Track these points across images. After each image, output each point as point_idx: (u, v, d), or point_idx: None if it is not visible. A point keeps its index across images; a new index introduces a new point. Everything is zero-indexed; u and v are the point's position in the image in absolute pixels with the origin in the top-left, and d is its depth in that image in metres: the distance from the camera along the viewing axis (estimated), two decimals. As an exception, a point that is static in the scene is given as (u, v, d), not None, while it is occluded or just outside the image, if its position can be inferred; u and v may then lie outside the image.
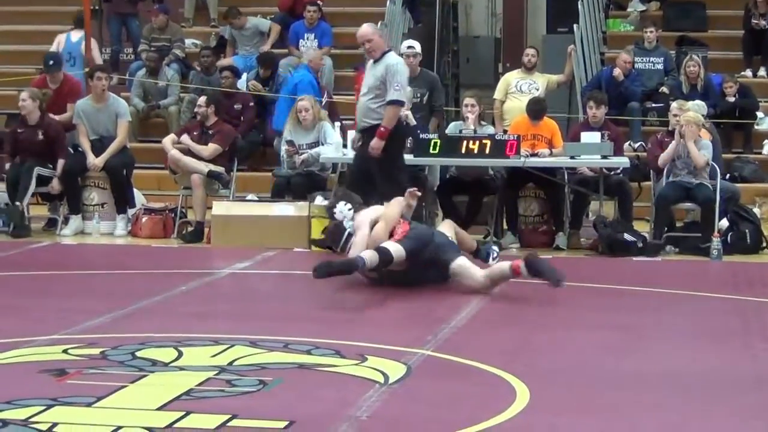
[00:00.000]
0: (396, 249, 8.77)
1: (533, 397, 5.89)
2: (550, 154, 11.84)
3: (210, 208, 11.93)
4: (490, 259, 9.74)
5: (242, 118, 14.30)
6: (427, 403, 5.89)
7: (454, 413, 5.67)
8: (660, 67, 15.60)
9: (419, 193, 9.64)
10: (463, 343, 7.25)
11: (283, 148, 12.26)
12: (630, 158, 12.42)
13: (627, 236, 11.12)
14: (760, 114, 15.11)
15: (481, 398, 5.97)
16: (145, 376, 6.26)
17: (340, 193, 9.87)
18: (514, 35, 19.19)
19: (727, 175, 12.86)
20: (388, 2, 16.40)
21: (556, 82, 14.33)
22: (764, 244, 11.41)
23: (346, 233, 9.46)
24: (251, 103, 14.48)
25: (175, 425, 5.34)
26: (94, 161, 12.32)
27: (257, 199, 12.23)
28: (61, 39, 15.53)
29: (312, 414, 5.57)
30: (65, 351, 6.84)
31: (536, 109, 12.20)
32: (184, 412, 5.51)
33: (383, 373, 6.32)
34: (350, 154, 11.26)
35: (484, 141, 11.25)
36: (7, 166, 12.41)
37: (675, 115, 11.79)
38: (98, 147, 12.42)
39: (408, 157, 11.45)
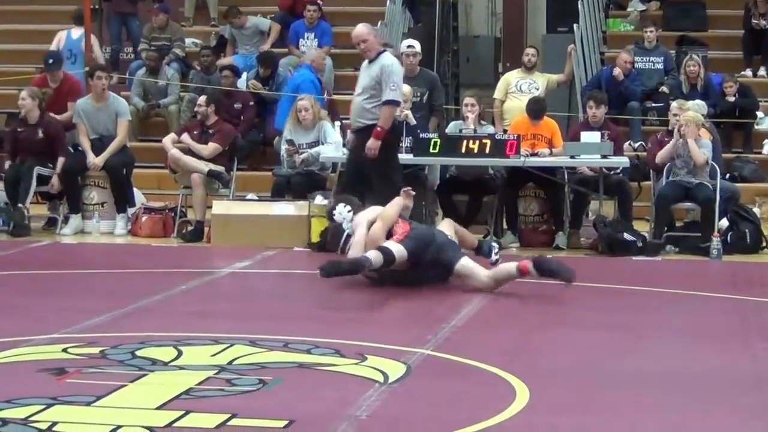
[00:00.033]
0: (398, 249, 8.78)
1: (533, 396, 5.88)
2: (550, 153, 11.84)
3: (210, 207, 11.93)
4: (492, 254, 9.77)
5: (242, 117, 14.30)
6: (427, 402, 5.89)
7: (453, 413, 5.66)
8: (660, 66, 15.61)
9: (413, 193, 9.64)
10: (462, 342, 7.25)
11: (283, 147, 12.26)
12: (630, 158, 12.43)
13: (627, 236, 11.12)
14: (760, 114, 15.11)
15: (481, 398, 5.97)
16: (144, 375, 6.26)
17: (339, 196, 9.89)
18: (514, 35, 19.20)
19: (727, 175, 12.87)
20: (388, 2, 16.42)
21: (556, 82, 14.33)
22: (764, 244, 11.41)
23: (345, 234, 9.47)
24: (251, 103, 14.48)
25: (175, 424, 5.33)
26: (94, 160, 12.32)
27: (257, 198, 12.22)
28: (61, 36, 15.54)
29: (312, 413, 5.57)
30: (65, 350, 6.83)
31: (536, 108, 12.20)
32: (183, 412, 5.51)
33: (383, 373, 6.32)
34: (350, 153, 11.27)
35: (484, 140, 11.25)
36: (7, 165, 12.40)
37: (675, 115, 11.79)
38: (98, 146, 12.42)
39: (408, 157, 11.47)
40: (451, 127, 12.28)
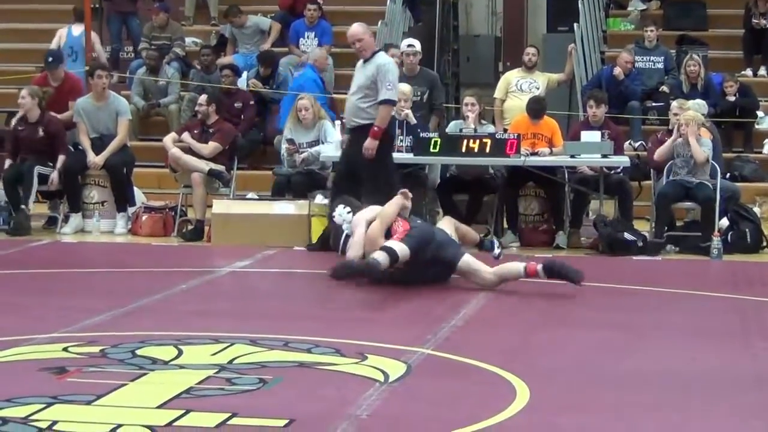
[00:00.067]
0: (401, 248, 8.78)
1: (533, 396, 5.89)
2: (551, 153, 11.84)
3: (210, 206, 11.93)
4: (495, 247, 9.80)
5: (242, 116, 14.29)
6: (427, 401, 5.89)
7: (454, 412, 5.66)
8: (660, 66, 15.60)
9: (411, 195, 9.64)
10: (463, 342, 7.25)
11: (284, 146, 12.26)
12: (630, 157, 12.41)
13: (627, 235, 11.12)
14: (760, 113, 15.11)
15: (481, 397, 5.97)
16: (145, 374, 6.26)
17: (338, 198, 9.90)
18: (515, 34, 19.20)
19: (728, 175, 12.87)
20: (388, 1, 16.42)
21: (556, 81, 14.34)
22: (764, 244, 11.41)
23: (344, 235, 9.47)
24: (251, 102, 14.47)
25: (175, 423, 5.33)
26: (95, 159, 12.32)
27: (257, 197, 12.23)
28: (62, 33, 15.54)
29: (312, 412, 5.57)
30: (65, 349, 6.83)
31: (536, 108, 12.20)
32: (183, 411, 5.51)
33: (383, 372, 6.32)
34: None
35: (484, 140, 11.25)
36: (6, 164, 12.40)
37: (675, 114, 11.79)
38: (98, 145, 12.41)
39: (408, 156, 11.47)
40: (452, 127, 12.28)
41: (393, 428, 5.47)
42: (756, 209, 12.27)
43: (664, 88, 15.15)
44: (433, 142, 11.26)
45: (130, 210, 12.44)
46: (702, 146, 11.33)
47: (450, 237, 9.27)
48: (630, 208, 11.67)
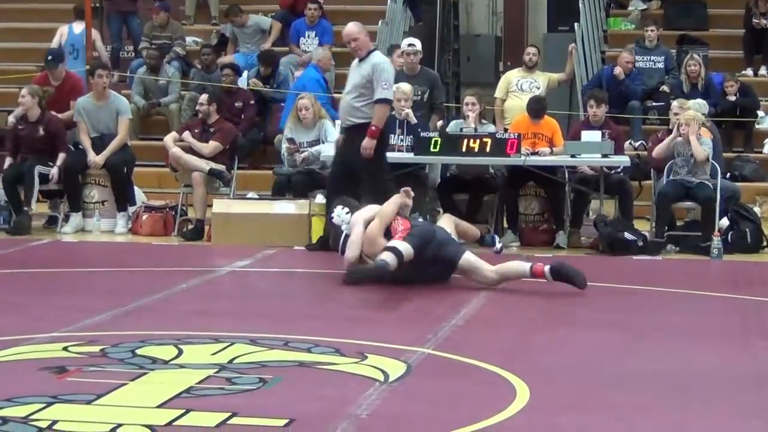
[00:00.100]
0: (405, 247, 8.79)
1: (533, 395, 5.88)
2: (551, 152, 11.84)
3: (210, 205, 11.93)
4: (496, 243, 9.81)
5: (243, 116, 14.29)
6: (427, 401, 5.89)
7: (454, 412, 5.66)
8: (661, 65, 15.60)
9: (413, 193, 9.65)
10: (463, 341, 7.25)
11: (284, 146, 12.26)
12: (630, 157, 12.41)
13: (627, 235, 11.12)
14: (760, 113, 15.11)
15: (481, 397, 5.97)
16: (145, 373, 6.26)
17: (337, 199, 9.90)
18: (515, 33, 19.22)
19: (728, 174, 12.87)
20: (388, 0, 16.41)
21: (556, 81, 14.34)
22: (765, 243, 11.41)
23: (343, 235, 9.48)
24: (252, 101, 14.48)
25: (175, 423, 5.33)
26: (95, 159, 12.32)
27: (258, 197, 12.23)
28: (63, 31, 15.54)
29: (312, 412, 5.57)
30: (65, 348, 6.83)
31: (537, 107, 12.20)
32: (184, 410, 5.51)
33: (383, 372, 6.32)
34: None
35: (484, 139, 11.25)
36: (7, 163, 12.39)
37: (676, 114, 11.79)
38: (99, 145, 12.41)
39: (409, 156, 11.47)
40: (452, 126, 12.28)
41: (393, 428, 5.46)
42: (756, 209, 12.27)
43: (665, 88, 15.15)
44: (433, 142, 11.26)
45: (131, 209, 12.44)
46: (702, 146, 11.33)
47: (450, 235, 9.27)
48: (630, 208, 11.67)
